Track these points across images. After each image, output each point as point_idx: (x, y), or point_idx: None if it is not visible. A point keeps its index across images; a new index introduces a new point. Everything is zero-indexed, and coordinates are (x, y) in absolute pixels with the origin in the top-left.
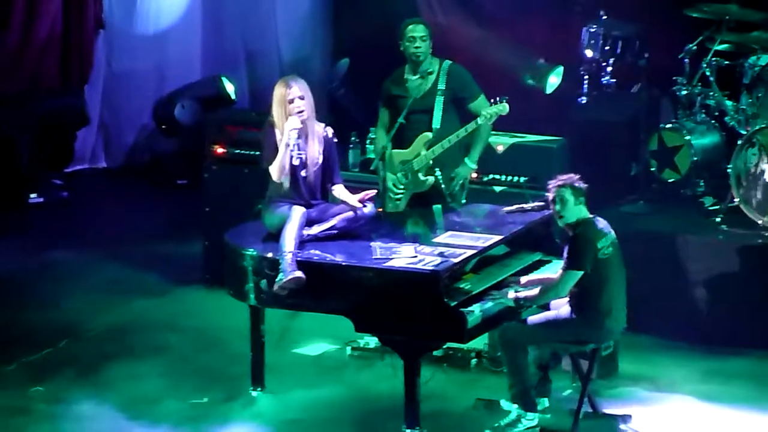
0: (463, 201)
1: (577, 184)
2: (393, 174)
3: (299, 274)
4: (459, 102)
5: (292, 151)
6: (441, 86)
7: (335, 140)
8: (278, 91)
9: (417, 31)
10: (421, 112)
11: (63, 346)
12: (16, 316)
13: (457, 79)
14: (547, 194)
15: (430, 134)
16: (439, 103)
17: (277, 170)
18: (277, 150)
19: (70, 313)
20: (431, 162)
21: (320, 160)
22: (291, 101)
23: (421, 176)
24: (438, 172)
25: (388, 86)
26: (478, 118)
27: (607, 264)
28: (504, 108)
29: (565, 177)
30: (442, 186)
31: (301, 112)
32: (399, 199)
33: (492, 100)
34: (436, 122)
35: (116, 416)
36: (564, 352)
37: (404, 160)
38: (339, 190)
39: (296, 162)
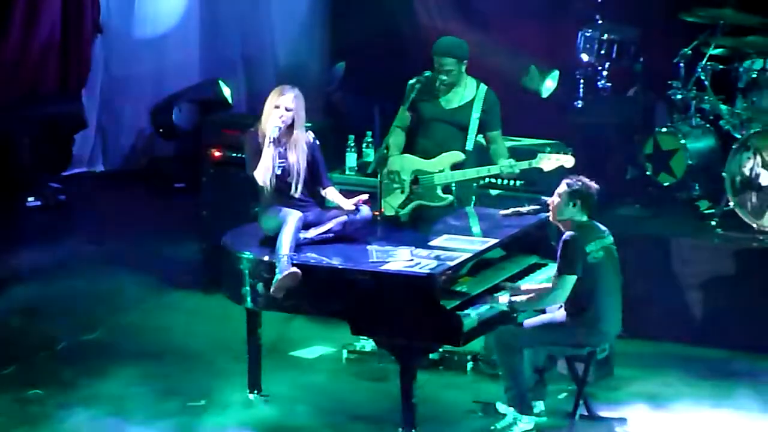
0: None
1: (583, 191)
2: (396, 175)
3: (295, 269)
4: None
5: (275, 158)
6: (477, 110)
7: (317, 143)
8: (271, 96)
9: (443, 64)
10: (448, 124)
11: (61, 348)
12: (11, 320)
13: (491, 107)
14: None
15: (462, 156)
16: (474, 126)
17: (261, 174)
18: (259, 155)
19: (68, 316)
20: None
21: (303, 166)
22: (277, 107)
23: (439, 192)
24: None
25: (417, 90)
26: (533, 161)
27: (597, 268)
28: (569, 160)
29: (575, 180)
30: (455, 201)
31: (281, 119)
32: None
33: (556, 152)
34: (470, 145)
35: (114, 419)
36: (560, 355)
37: (422, 171)
38: (331, 193)
39: (279, 171)
